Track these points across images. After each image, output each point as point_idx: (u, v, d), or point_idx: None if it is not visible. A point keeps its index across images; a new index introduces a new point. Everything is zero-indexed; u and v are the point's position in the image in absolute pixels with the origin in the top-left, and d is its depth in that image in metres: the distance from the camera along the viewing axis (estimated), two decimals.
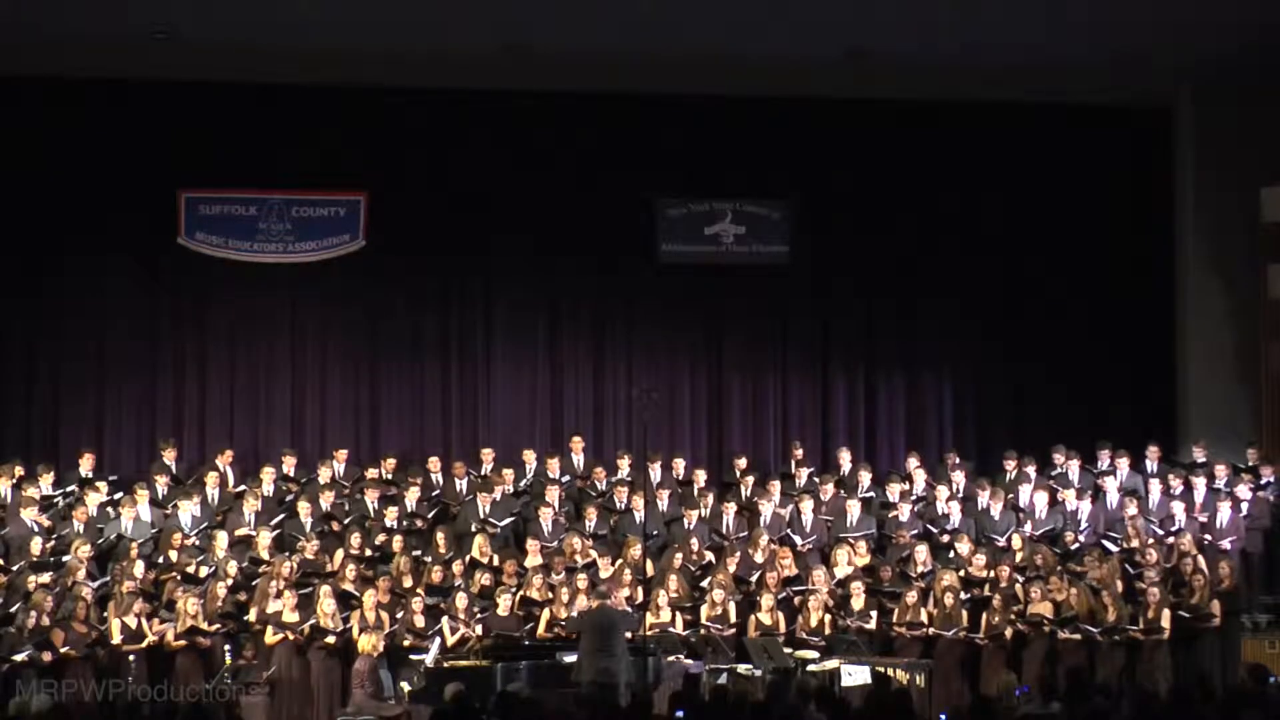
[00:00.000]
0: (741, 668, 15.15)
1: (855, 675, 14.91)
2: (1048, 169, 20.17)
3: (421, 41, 18.43)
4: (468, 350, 19.84)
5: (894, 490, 18.12)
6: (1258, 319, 19.56)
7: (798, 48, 18.74)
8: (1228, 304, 19.88)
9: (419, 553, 16.80)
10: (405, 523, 17.25)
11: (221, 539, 16.48)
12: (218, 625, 15.37)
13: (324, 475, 17.84)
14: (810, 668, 15.05)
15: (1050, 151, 20.13)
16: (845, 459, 18.97)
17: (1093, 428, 19.19)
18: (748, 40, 18.41)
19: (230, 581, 15.79)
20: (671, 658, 15.16)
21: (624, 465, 18.37)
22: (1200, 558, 16.52)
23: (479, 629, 15.44)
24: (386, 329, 19.72)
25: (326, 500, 17.43)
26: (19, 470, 17.28)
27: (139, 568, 15.74)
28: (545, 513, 17.32)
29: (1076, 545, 17.15)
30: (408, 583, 16.22)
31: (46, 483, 17.20)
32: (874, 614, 16.09)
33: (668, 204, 19.97)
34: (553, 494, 17.62)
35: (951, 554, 16.92)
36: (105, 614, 15.35)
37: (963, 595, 16.11)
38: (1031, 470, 18.29)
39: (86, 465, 17.63)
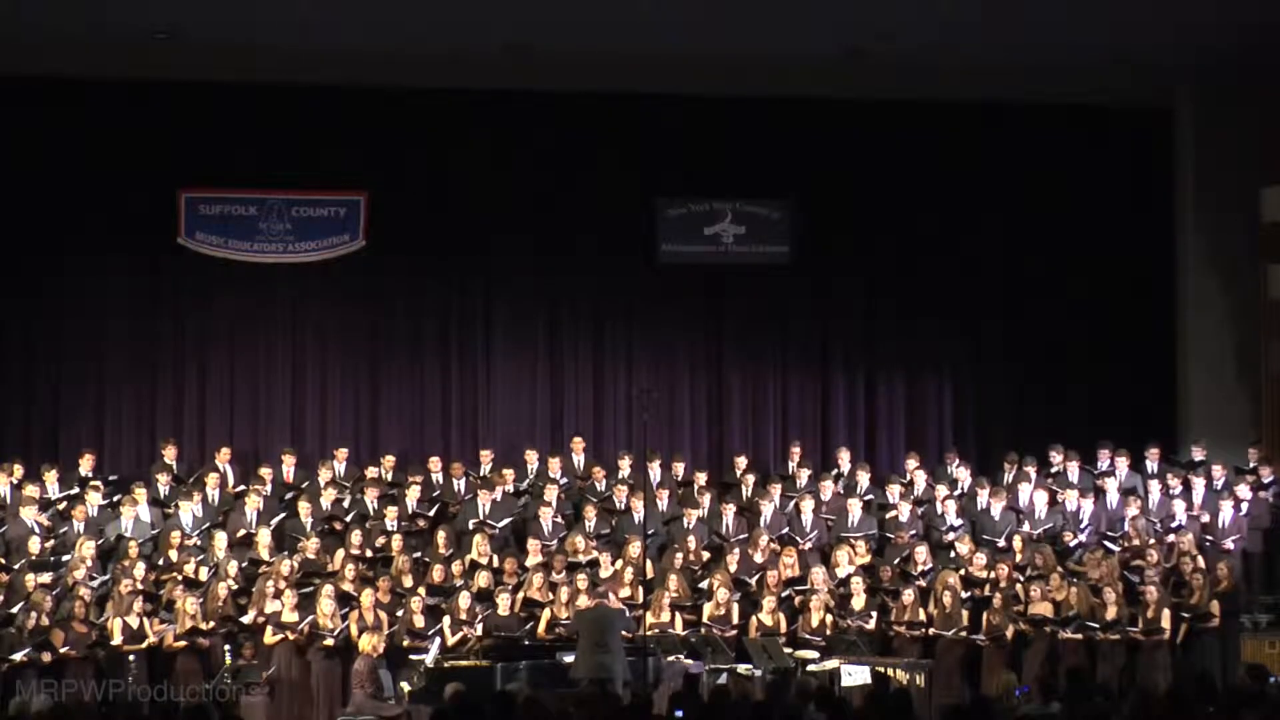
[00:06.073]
0: (741, 668, 15.17)
1: (855, 675, 14.92)
2: (1047, 168, 20.16)
3: (421, 41, 18.42)
4: (468, 350, 19.84)
5: (894, 490, 18.14)
6: (1258, 319, 19.56)
7: (798, 48, 18.74)
8: (1228, 304, 19.87)
9: (419, 554, 16.82)
10: (406, 523, 17.26)
11: (221, 539, 16.49)
12: (216, 625, 15.37)
13: (324, 475, 17.84)
14: (810, 668, 15.06)
15: (1050, 151, 20.13)
16: (845, 459, 18.97)
17: (1093, 428, 19.19)
18: (748, 40, 18.41)
19: (231, 582, 15.79)
20: (671, 658, 15.17)
21: (624, 465, 18.38)
22: (1200, 558, 16.52)
23: (479, 629, 15.46)
24: (386, 329, 19.72)
25: (327, 500, 17.44)
26: (19, 470, 17.29)
27: (139, 568, 15.74)
28: (545, 512, 17.34)
29: (1076, 544, 17.18)
30: (408, 583, 16.23)
31: (51, 481, 17.22)
32: (874, 614, 16.09)
33: (668, 204, 19.98)
34: (552, 494, 17.63)
35: (952, 554, 16.94)
36: (105, 614, 15.35)
37: (963, 595, 16.11)
38: (1031, 470, 18.29)
39: (86, 465, 17.65)
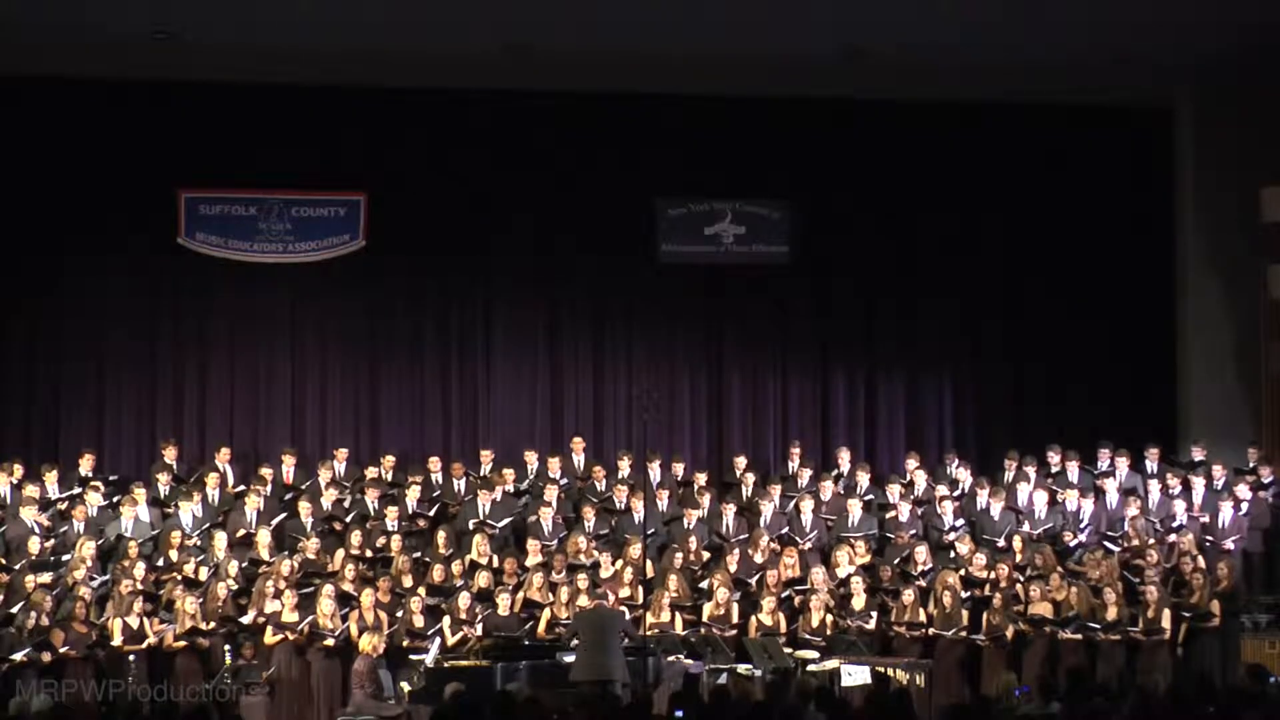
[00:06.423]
0: (741, 668, 15.16)
1: (855, 675, 14.92)
2: (1047, 169, 20.17)
3: (421, 41, 18.42)
4: (468, 350, 19.84)
5: (894, 490, 18.14)
6: (1258, 319, 19.54)
7: (797, 47, 18.73)
8: (1228, 304, 19.86)
9: (419, 554, 16.82)
10: (406, 523, 17.27)
11: (221, 539, 16.49)
12: (216, 625, 15.36)
13: (324, 475, 17.84)
14: (810, 668, 15.06)
15: (1050, 151, 20.13)
16: (845, 459, 18.96)
17: (1093, 428, 19.18)
18: (748, 40, 18.40)
19: (231, 582, 15.79)
20: (671, 658, 15.16)
21: (624, 465, 18.37)
22: (1200, 558, 16.52)
23: (479, 629, 15.46)
24: (386, 329, 19.73)
25: (327, 500, 17.43)
26: (19, 470, 17.29)
27: (139, 568, 15.73)
28: (545, 513, 17.34)
29: (1076, 544, 17.18)
30: (408, 583, 16.23)
31: (51, 481, 17.22)
32: (874, 614, 16.09)
33: (668, 204, 19.98)
34: (552, 494, 17.63)
35: (952, 554, 16.94)
36: (105, 614, 15.34)
37: (963, 595, 16.11)
38: (1031, 470, 18.29)
39: (86, 465, 17.65)
